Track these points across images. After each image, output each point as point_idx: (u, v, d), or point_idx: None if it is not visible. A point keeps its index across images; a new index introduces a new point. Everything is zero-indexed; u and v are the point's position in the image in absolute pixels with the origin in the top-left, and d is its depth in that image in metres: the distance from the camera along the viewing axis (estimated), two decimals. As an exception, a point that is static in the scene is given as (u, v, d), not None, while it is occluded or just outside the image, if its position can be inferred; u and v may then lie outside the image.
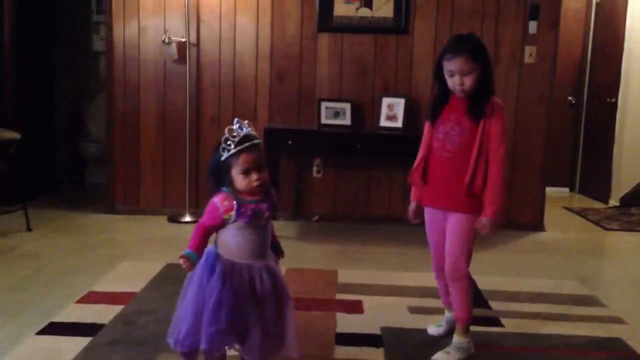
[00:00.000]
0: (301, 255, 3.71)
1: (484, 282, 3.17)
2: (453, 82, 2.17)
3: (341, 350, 2.30)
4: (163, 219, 4.45)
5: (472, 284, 2.31)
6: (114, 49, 4.55)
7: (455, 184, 2.17)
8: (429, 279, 3.16)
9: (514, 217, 4.55)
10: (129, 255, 3.53)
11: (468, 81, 2.15)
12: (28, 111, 4.99)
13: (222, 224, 1.85)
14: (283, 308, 1.90)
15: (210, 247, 1.90)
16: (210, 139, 4.47)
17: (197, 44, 4.51)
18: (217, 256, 1.87)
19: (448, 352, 2.26)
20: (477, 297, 2.90)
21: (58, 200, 5.09)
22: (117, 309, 2.62)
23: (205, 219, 1.86)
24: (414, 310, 2.76)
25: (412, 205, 2.40)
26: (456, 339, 2.28)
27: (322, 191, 4.61)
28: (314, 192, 4.63)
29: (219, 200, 1.85)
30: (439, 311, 2.75)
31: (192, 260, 1.80)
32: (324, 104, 4.38)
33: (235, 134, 1.84)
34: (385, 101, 4.37)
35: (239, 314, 1.82)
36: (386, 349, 2.33)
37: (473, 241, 2.24)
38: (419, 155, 2.33)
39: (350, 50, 4.48)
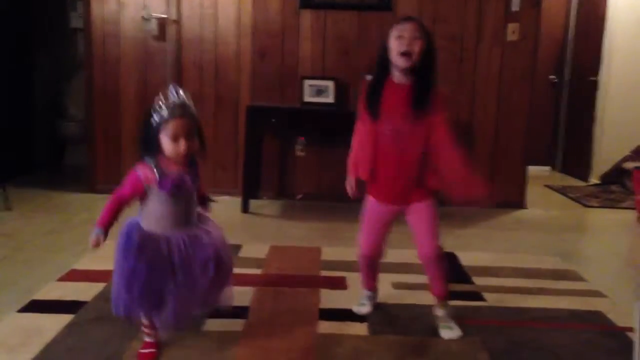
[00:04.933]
0: (285, 233, 3.71)
1: (467, 258, 3.20)
2: (399, 45, 2.06)
3: (325, 326, 2.31)
4: (145, 198, 4.41)
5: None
6: (92, 26, 4.46)
7: (412, 181, 2.16)
8: (411, 256, 3.19)
9: (496, 195, 4.59)
10: (110, 234, 3.49)
11: (417, 47, 2.06)
12: (5, 90, 4.89)
13: (143, 194, 1.88)
14: (206, 272, 1.92)
15: (133, 217, 1.94)
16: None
17: (178, 21, 4.44)
18: (137, 227, 1.90)
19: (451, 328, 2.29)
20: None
21: (37, 180, 5.03)
22: (99, 286, 2.60)
23: (124, 188, 1.88)
24: (398, 285, 2.77)
25: (353, 181, 2.32)
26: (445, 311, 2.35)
27: (305, 170, 4.60)
28: (297, 170, 4.61)
29: (141, 170, 1.87)
30: (421, 287, 2.76)
31: (100, 238, 1.86)
32: (307, 82, 4.35)
33: (169, 98, 1.86)
34: (369, 79, 4.34)
35: (151, 285, 1.86)
36: (370, 323, 2.34)
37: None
38: (367, 156, 2.20)
39: (333, 27, 4.44)
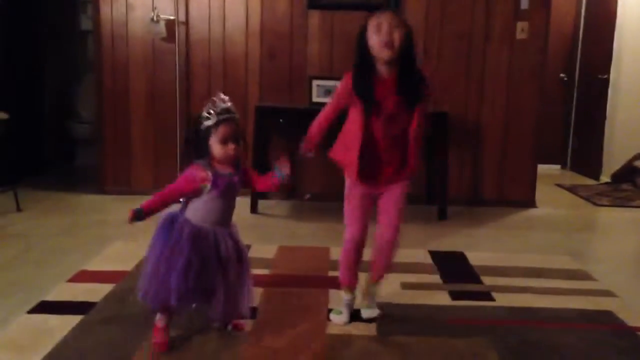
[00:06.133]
0: (293, 233, 3.71)
1: (477, 258, 3.18)
2: (380, 38, 2.01)
3: (334, 326, 2.31)
4: (154, 199, 4.43)
5: None
6: (101, 28, 4.48)
7: (399, 164, 2.20)
8: (421, 255, 3.18)
9: (505, 193, 4.57)
10: (119, 235, 3.51)
11: (397, 36, 2.02)
12: (15, 91, 4.93)
13: (197, 192, 2.00)
14: (243, 271, 2.12)
15: (175, 211, 2.05)
16: (200, 118, 4.45)
17: (186, 22, 4.45)
18: (185, 220, 2.02)
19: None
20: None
21: (47, 181, 5.06)
22: (108, 287, 2.61)
23: (181, 184, 2.02)
24: (407, 285, 2.76)
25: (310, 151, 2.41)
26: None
27: (313, 170, 4.59)
28: (305, 171, 4.61)
29: (196, 171, 2.01)
30: (431, 286, 2.76)
31: (137, 216, 1.96)
32: (315, 82, 4.34)
33: (217, 105, 2.00)
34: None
35: (205, 275, 2.00)
36: (378, 324, 2.33)
37: None
38: (356, 143, 2.16)
39: (341, 27, 4.43)
